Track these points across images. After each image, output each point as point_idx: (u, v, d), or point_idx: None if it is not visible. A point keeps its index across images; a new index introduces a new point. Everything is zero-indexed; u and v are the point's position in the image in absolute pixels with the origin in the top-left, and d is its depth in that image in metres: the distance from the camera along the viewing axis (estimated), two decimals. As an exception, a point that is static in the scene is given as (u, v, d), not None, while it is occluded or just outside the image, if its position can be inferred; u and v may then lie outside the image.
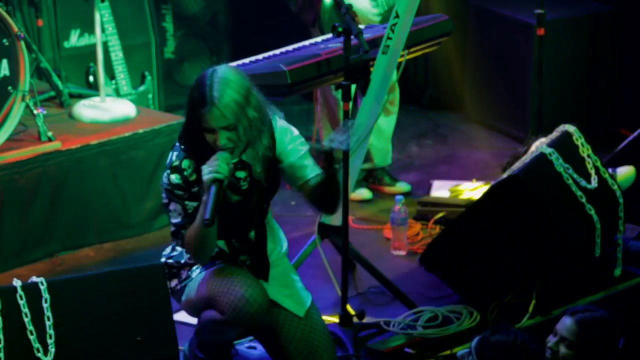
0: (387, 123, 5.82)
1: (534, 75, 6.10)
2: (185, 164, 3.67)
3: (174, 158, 3.69)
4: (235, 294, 3.64)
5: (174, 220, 3.72)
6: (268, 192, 3.82)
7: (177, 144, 3.70)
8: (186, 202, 3.68)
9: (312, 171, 3.78)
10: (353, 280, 4.78)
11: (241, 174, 3.74)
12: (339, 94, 5.67)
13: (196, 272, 3.80)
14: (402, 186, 5.88)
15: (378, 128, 5.70)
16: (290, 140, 3.79)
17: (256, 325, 3.68)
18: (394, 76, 4.68)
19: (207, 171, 3.53)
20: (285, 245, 3.97)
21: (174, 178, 3.67)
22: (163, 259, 3.87)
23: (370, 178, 5.89)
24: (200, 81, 3.57)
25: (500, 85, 6.69)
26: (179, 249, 3.84)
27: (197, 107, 3.55)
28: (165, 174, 3.69)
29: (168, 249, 3.89)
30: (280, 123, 3.79)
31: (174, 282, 3.84)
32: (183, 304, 3.83)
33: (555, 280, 4.46)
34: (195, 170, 3.65)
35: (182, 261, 3.84)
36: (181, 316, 4.22)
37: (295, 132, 3.80)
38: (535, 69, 5.99)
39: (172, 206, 3.71)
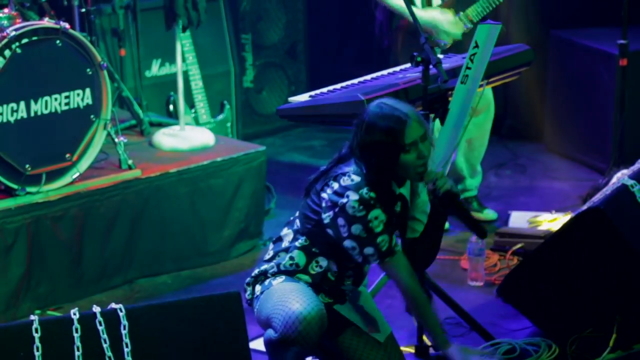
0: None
1: (615, 106, 6.03)
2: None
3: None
4: (286, 311, 3.65)
5: (379, 229, 3.66)
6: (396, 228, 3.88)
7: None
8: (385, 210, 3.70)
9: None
10: (430, 311, 4.74)
11: (398, 208, 3.82)
12: None
13: (277, 280, 3.80)
14: (490, 213, 5.87)
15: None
16: (422, 192, 3.89)
17: (308, 343, 3.65)
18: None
19: (450, 184, 3.73)
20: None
21: (366, 190, 3.66)
22: (263, 266, 3.86)
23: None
24: (377, 115, 3.67)
25: (581, 116, 6.62)
26: (283, 254, 3.83)
27: (395, 131, 3.64)
28: (345, 199, 3.66)
29: (270, 254, 3.89)
30: None
31: (257, 287, 3.85)
32: (256, 317, 3.86)
33: (637, 314, 4.37)
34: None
35: (281, 265, 3.83)
36: (257, 344, 4.23)
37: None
38: (617, 99, 5.92)
39: (375, 214, 3.66)
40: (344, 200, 3.66)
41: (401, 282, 3.74)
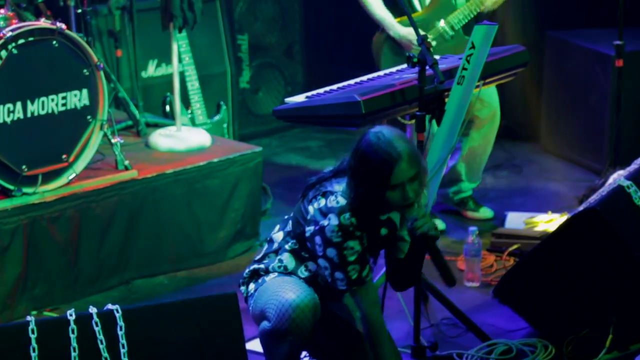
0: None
1: (611, 107, 6.03)
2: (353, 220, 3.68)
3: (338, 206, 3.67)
4: (280, 300, 3.68)
5: (352, 258, 3.68)
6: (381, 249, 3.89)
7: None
8: (364, 241, 3.70)
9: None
10: (425, 311, 4.75)
11: (384, 231, 3.81)
12: None
13: (270, 276, 3.83)
14: (486, 212, 5.87)
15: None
16: None
17: (302, 332, 3.67)
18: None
19: (428, 227, 3.65)
20: None
21: (347, 216, 3.65)
22: (253, 266, 3.88)
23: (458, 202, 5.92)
24: (372, 147, 3.61)
25: (577, 117, 6.63)
26: (273, 256, 3.85)
27: (383, 169, 3.58)
28: (327, 221, 3.66)
29: (261, 254, 3.91)
30: None
31: (250, 286, 3.88)
32: (251, 314, 3.87)
33: (633, 315, 4.38)
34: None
35: (270, 267, 3.86)
36: (253, 345, 4.23)
37: None
38: (613, 100, 5.93)
39: (351, 244, 3.67)
40: (325, 222, 3.67)
41: (363, 311, 3.76)
